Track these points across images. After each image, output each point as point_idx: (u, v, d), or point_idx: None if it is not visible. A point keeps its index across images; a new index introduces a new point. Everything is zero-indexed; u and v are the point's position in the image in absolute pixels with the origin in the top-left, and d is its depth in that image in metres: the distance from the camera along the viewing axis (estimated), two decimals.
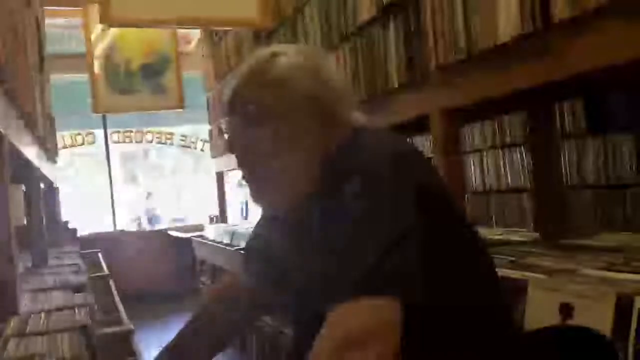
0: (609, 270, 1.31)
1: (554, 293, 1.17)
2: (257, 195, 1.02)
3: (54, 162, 3.97)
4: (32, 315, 1.48)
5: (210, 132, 5.60)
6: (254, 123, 0.98)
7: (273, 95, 0.98)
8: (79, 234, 5.21)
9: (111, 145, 7.56)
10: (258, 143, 0.97)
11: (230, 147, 1.02)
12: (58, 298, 1.77)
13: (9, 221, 1.48)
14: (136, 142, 7.92)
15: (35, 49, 2.56)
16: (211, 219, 5.96)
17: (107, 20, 2.82)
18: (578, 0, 1.32)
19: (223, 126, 1.08)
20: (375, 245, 0.79)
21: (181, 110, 5.86)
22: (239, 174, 1.04)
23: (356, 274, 0.78)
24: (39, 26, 2.97)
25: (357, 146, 0.94)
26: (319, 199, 0.95)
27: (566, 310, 1.13)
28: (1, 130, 1.41)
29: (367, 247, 0.79)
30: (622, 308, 1.04)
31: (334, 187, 0.88)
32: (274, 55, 1.02)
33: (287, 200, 0.99)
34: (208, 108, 5.57)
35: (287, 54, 1.02)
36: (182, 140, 8.14)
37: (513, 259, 1.58)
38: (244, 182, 1.04)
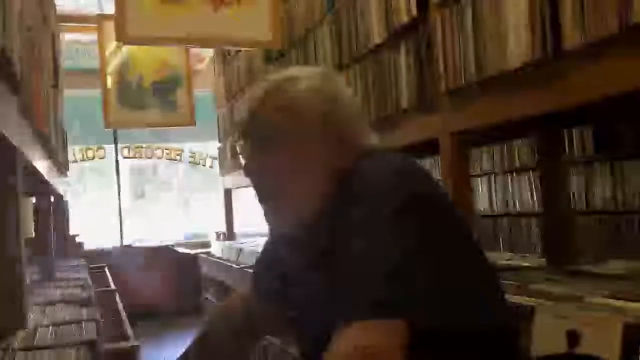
0: (616, 298, 1.31)
1: (561, 320, 1.16)
2: (270, 216, 1.02)
3: (65, 175, 4.00)
4: (40, 329, 1.48)
5: (220, 149, 5.63)
6: (269, 146, 0.98)
7: (288, 118, 0.99)
8: (86, 247, 5.23)
9: (121, 160, 7.61)
10: (272, 165, 0.98)
11: (245, 170, 1.03)
12: (65, 312, 1.77)
13: (20, 234, 1.49)
14: (146, 157, 7.96)
15: (50, 65, 2.60)
16: (218, 236, 5.96)
17: (123, 38, 2.86)
18: (588, 29, 1.34)
19: (238, 148, 1.07)
20: (382, 267, 0.80)
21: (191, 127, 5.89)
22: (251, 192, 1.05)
23: (363, 295, 0.79)
24: (54, 42, 3.01)
25: (368, 168, 0.94)
26: (329, 219, 0.95)
27: (573, 337, 1.12)
28: (15, 144, 1.43)
29: (374, 268, 0.80)
30: (629, 336, 1.04)
31: (345, 208, 0.89)
32: (289, 78, 1.03)
33: (299, 221, 1.00)
34: (218, 125, 5.61)
35: (302, 77, 1.03)
36: (191, 156, 8.18)
37: (520, 284, 1.57)
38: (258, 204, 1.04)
